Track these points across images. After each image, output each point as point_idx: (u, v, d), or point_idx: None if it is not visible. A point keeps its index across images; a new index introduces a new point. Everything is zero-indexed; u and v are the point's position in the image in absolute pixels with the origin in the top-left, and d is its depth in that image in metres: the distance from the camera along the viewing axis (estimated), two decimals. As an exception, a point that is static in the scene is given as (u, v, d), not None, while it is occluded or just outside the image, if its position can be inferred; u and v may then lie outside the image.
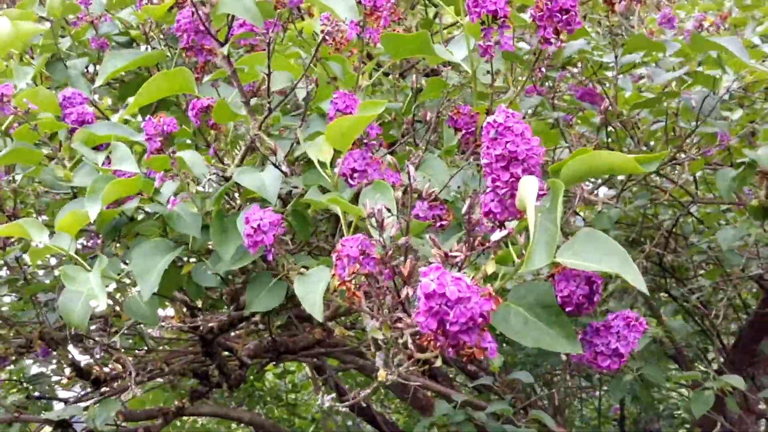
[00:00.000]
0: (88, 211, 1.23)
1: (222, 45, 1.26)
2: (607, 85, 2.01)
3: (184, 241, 1.37)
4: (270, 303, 1.28)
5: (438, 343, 0.84)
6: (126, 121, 1.58)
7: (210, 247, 1.43)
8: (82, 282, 1.25)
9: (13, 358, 2.19)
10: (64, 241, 1.30)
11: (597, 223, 1.94)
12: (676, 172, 2.26)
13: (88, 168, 1.43)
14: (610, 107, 1.92)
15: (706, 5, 2.47)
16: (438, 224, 1.25)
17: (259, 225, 1.06)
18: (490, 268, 1.01)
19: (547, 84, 2.04)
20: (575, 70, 2.11)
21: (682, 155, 1.83)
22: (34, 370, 2.83)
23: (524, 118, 1.89)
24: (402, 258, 0.95)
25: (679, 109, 1.81)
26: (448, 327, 0.83)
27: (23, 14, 1.62)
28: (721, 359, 2.75)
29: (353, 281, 0.94)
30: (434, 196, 1.11)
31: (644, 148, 2.04)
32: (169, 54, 1.68)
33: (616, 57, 1.86)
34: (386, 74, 1.70)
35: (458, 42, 1.40)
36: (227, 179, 1.33)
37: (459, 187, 1.38)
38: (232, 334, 2.38)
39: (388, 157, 1.02)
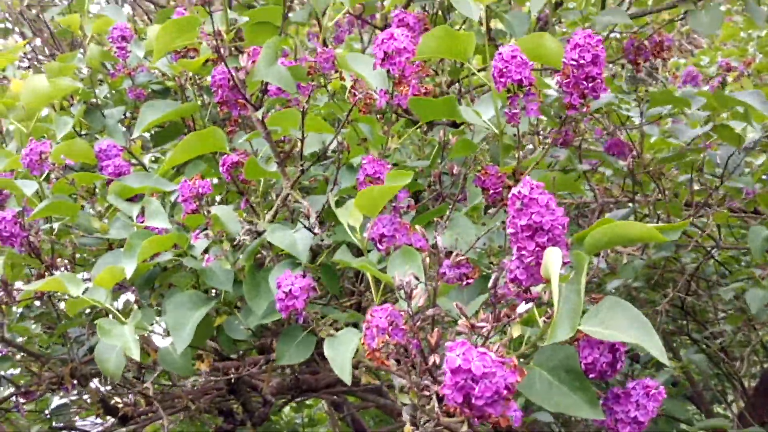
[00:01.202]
0: (124, 268, 1.27)
1: (256, 109, 1.30)
2: (631, 128, 2.04)
3: (217, 293, 1.41)
4: (299, 356, 1.32)
5: (464, 413, 0.87)
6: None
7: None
8: (118, 335, 1.29)
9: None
10: (100, 295, 1.34)
11: (621, 273, 1.97)
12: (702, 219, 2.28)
13: (123, 221, 1.48)
14: (636, 157, 1.96)
15: (729, 51, 2.49)
16: (464, 282, 1.27)
17: (290, 290, 1.09)
18: (515, 331, 1.04)
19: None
20: (598, 115, 2.14)
21: (707, 208, 1.85)
22: (56, 402, 2.88)
23: (549, 166, 1.92)
24: (429, 326, 0.99)
25: (705, 163, 1.84)
26: (473, 401, 0.86)
27: (64, 68, 1.68)
28: (742, 403, 2.74)
29: (382, 350, 0.97)
30: (463, 258, 1.14)
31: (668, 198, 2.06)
32: (197, 101, 1.73)
33: (641, 112, 1.89)
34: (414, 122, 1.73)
35: (485, 102, 1.43)
36: (259, 234, 1.37)
37: (484, 243, 1.41)
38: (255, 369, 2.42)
39: (418, 227, 1.05)
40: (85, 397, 2.64)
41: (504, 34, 1.82)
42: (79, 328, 2.14)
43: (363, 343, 0.98)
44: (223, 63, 1.26)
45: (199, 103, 1.71)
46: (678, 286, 2.44)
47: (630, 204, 2.10)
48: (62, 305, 2.15)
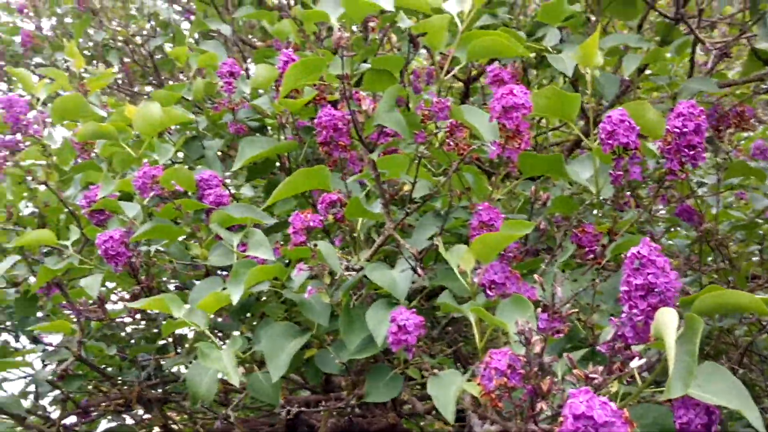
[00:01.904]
0: (230, 295, 1.32)
1: (370, 151, 1.35)
2: (702, 195, 2.07)
3: (309, 326, 1.44)
4: (388, 394, 1.34)
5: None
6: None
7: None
8: (215, 359, 1.32)
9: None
10: (199, 318, 1.38)
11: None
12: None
13: (224, 249, 1.52)
14: (708, 226, 1.98)
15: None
16: (555, 334, 1.30)
17: (405, 325, 1.12)
18: (614, 386, 1.06)
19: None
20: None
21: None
22: (104, 425, 2.91)
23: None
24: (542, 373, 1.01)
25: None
26: (591, 447, 0.88)
27: (170, 97, 1.75)
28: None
29: (498, 392, 0.99)
30: (573, 312, 1.16)
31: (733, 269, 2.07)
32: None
33: (718, 180, 1.92)
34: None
35: (584, 162, 1.47)
36: (356, 271, 1.40)
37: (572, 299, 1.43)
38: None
39: (537, 277, 1.08)
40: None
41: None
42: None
43: (478, 383, 1.01)
44: (345, 104, 1.31)
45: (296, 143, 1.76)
46: (731, 359, 2.43)
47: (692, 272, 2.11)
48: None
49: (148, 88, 3.63)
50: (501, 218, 1.27)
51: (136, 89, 3.41)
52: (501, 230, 1.18)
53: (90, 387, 2.32)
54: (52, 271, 1.59)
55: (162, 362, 2.30)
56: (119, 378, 2.16)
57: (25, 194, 1.88)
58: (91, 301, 1.60)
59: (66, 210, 1.79)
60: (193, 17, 2.60)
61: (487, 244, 1.15)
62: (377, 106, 1.33)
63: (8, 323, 2.27)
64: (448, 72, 1.39)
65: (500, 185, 1.34)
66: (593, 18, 1.83)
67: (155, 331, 2.42)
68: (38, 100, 1.73)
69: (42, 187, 1.82)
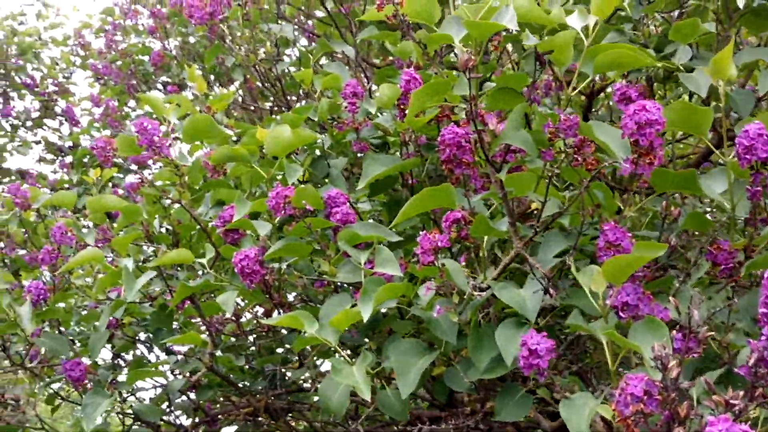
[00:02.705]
0: (361, 312, 1.35)
1: (497, 170, 1.36)
2: None
3: (436, 344, 1.46)
4: (518, 413, 1.34)
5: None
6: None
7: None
8: (347, 375, 1.36)
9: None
10: (329, 334, 1.42)
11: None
12: None
13: (351, 266, 1.56)
14: None
15: None
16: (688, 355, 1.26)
17: (536, 349, 1.12)
18: (756, 412, 1.03)
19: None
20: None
21: None
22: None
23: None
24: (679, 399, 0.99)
25: None
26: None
27: (297, 118, 1.80)
28: None
29: (634, 418, 0.98)
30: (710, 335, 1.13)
31: None
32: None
33: None
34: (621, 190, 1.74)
35: (717, 176, 1.42)
36: (482, 290, 1.41)
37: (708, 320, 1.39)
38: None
39: (672, 299, 1.05)
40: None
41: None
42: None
43: (613, 408, 0.99)
44: (463, 124, 1.32)
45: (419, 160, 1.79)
46: None
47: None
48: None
49: (267, 105, 3.75)
50: (627, 237, 1.25)
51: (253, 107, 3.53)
52: (633, 252, 1.16)
53: (219, 396, 2.41)
54: (189, 288, 1.67)
55: (286, 373, 2.37)
56: (247, 388, 2.24)
57: (158, 213, 1.98)
58: (225, 316, 1.67)
59: (198, 227, 1.87)
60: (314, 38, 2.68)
61: (618, 266, 1.13)
62: (503, 124, 1.33)
63: (143, 335, 2.39)
64: (574, 88, 1.37)
65: (631, 201, 1.32)
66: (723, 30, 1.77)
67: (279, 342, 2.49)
68: (169, 122, 1.81)
69: (174, 205, 1.91)
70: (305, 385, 2.62)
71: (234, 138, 1.95)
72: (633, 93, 1.52)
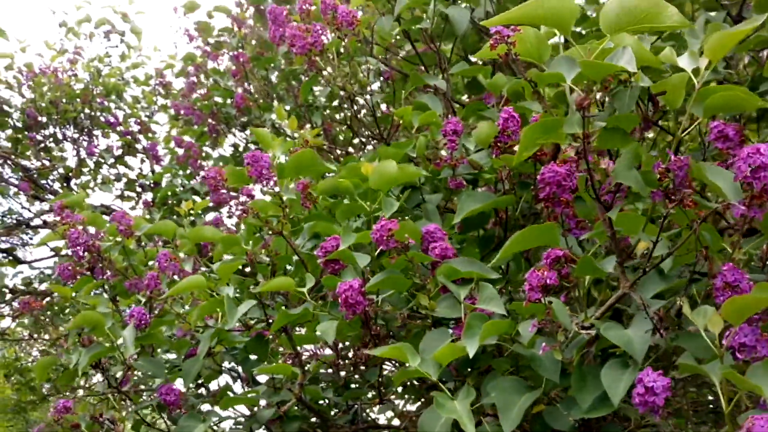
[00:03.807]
0: (466, 347, 1.36)
1: (606, 210, 1.37)
2: None
3: (536, 381, 1.46)
4: (622, 455, 1.33)
5: None
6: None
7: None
8: (450, 409, 1.37)
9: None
10: (431, 368, 1.44)
11: None
12: None
13: (451, 301, 1.58)
14: None
15: None
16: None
17: (652, 387, 1.12)
18: None
19: None
20: None
21: None
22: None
23: None
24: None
25: None
26: None
27: (395, 153, 1.84)
28: None
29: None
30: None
31: None
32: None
33: None
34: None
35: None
36: (586, 329, 1.41)
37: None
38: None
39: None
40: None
41: None
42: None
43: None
44: (584, 163, 1.34)
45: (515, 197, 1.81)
46: None
47: None
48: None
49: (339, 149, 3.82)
50: (746, 278, 1.25)
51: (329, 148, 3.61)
52: (753, 293, 1.15)
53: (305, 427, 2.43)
54: (290, 315, 1.70)
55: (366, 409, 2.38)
56: (333, 420, 2.26)
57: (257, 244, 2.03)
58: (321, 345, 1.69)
59: (295, 258, 1.92)
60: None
61: (738, 306, 1.13)
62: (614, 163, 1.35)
63: (226, 364, 2.43)
64: (684, 129, 1.38)
65: (740, 244, 1.31)
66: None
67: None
68: (275, 156, 1.87)
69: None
70: (381, 421, 2.63)
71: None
72: (730, 131, 1.51)
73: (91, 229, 2.32)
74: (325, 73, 2.11)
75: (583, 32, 2.30)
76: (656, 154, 1.40)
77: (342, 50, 2.10)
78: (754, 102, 1.39)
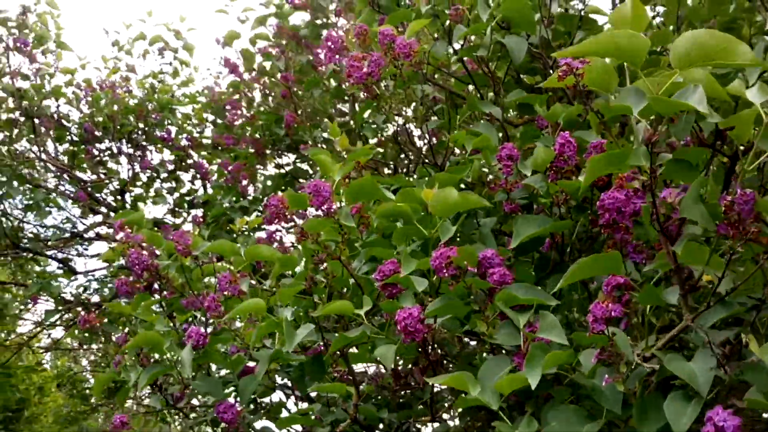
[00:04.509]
0: (528, 377, 1.36)
1: (672, 242, 1.36)
2: None
3: (596, 411, 1.45)
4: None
5: None
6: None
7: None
8: (510, 438, 1.37)
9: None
10: (492, 397, 1.44)
11: None
12: None
13: (510, 328, 1.58)
14: None
15: None
16: None
17: (722, 426, 1.11)
18: None
19: None
20: None
21: None
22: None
23: None
24: None
25: None
26: None
27: (450, 178, 1.86)
28: None
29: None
30: None
31: None
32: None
33: None
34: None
35: None
36: (647, 359, 1.40)
37: None
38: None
39: None
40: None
41: None
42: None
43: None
44: (650, 195, 1.33)
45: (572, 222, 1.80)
46: None
47: None
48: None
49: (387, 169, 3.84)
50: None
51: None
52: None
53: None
54: (347, 338, 1.72)
55: (420, 427, 2.39)
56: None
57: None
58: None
59: (352, 281, 1.94)
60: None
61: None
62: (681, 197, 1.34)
63: (279, 380, 2.46)
64: (752, 163, 1.36)
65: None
66: None
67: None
68: (335, 182, 1.90)
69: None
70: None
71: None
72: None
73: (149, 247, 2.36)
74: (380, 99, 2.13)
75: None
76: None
77: (397, 76, 2.12)
78: (823, 133, 1.37)
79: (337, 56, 2.41)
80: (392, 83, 2.24)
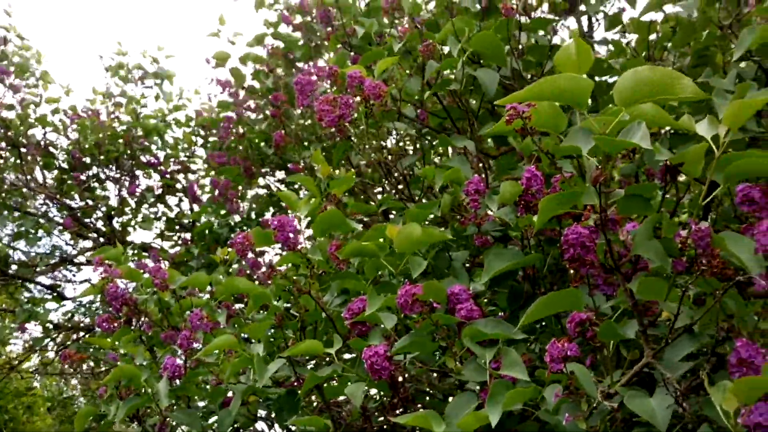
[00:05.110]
0: (489, 416, 1.37)
1: (627, 280, 1.38)
2: None
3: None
4: None
5: None
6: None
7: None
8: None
9: None
10: (456, 432, 1.45)
11: None
12: None
13: (477, 364, 1.59)
14: None
15: None
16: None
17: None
18: None
19: None
20: None
21: None
22: None
23: None
24: None
25: None
26: None
27: (421, 213, 1.87)
28: None
29: None
30: None
31: None
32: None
33: None
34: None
35: None
36: (610, 396, 1.41)
37: None
38: None
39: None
40: None
41: None
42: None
43: None
44: (602, 235, 1.35)
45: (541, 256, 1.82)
46: None
47: None
48: None
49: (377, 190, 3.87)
50: (761, 354, 1.24)
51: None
52: (764, 371, 1.15)
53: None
54: (318, 377, 1.73)
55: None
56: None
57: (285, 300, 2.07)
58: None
59: (324, 316, 1.95)
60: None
61: (749, 386, 1.13)
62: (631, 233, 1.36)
63: (262, 412, 2.47)
64: (705, 198, 1.38)
65: (765, 315, 1.31)
66: None
67: None
68: (301, 217, 1.91)
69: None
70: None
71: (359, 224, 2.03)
72: (756, 194, 1.51)
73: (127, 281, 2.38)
74: (354, 139, 2.16)
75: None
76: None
77: (369, 116, 2.14)
78: (777, 167, 1.38)
79: (307, 99, 2.42)
80: (365, 123, 2.26)
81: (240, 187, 4.68)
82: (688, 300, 1.37)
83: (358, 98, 2.02)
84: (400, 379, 1.73)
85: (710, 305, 1.36)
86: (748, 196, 1.49)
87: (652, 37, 2.55)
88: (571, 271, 1.64)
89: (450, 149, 2.57)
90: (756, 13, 1.98)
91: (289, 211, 1.97)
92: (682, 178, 1.62)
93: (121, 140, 5.30)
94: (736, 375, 1.21)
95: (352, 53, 2.74)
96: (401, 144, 2.35)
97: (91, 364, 5.80)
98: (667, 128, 1.91)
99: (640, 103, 1.31)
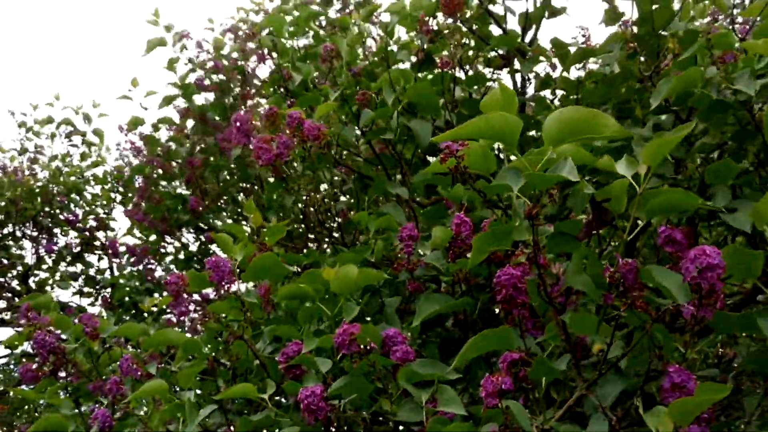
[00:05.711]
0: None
1: (560, 313, 1.41)
2: None
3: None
4: None
5: None
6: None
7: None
8: None
9: None
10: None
11: None
12: None
13: (413, 404, 1.59)
14: None
15: None
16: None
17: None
18: None
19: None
20: None
21: None
22: None
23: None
24: None
25: None
26: None
27: (354, 257, 1.89)
28: None
29: None
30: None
31: None
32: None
33: None
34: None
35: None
36: (545, 431, 1.43)
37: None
38: None
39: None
40: None
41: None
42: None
43: None
44: (535, 269, 1.39)
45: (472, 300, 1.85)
46: None
47: None
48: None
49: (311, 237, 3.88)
50: (692, 379, 1.29)
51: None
52: (697, 394, 1.19)
53: None
54: (251, 422, 1.70)
55: None
56: None
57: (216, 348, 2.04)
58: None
59: (256, 362, 1.92)
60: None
61: (685, 408, 1.17)
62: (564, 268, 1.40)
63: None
64: (630, 233, 1.44)
65: (693, 344, 1.36)
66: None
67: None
68: (236, 260, 1.90)
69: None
70: None
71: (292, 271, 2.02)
72: (678, 235, 1.58)
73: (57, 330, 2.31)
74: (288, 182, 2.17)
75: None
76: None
77: (306, 158, 2.17)
78: (694, 202, 1.44)
79: (245, 138, 2.44)
80: (301, 165, 2.28)
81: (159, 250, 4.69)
82: (618, 334, 1.42)
83: (296, 139, 2.04)
84: (336, 424, 1.71)
85: (639, 337, 1.40)
86: (670, 237, 1.56)
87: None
88: (503, 314, 1.67)
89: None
90: (673, 67, 2.10)
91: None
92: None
93: (39, 198, 5.17)
94: (669, 400, 1.25)
95: (289, 98, 2.76)
96: (336, 190, 2.37)
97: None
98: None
99: (566, 142, 1.37)
